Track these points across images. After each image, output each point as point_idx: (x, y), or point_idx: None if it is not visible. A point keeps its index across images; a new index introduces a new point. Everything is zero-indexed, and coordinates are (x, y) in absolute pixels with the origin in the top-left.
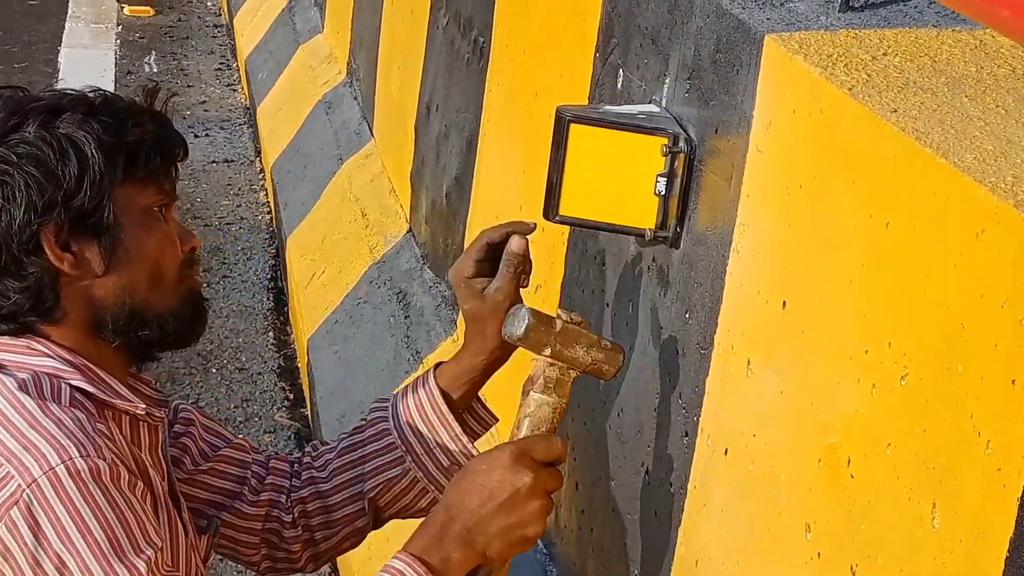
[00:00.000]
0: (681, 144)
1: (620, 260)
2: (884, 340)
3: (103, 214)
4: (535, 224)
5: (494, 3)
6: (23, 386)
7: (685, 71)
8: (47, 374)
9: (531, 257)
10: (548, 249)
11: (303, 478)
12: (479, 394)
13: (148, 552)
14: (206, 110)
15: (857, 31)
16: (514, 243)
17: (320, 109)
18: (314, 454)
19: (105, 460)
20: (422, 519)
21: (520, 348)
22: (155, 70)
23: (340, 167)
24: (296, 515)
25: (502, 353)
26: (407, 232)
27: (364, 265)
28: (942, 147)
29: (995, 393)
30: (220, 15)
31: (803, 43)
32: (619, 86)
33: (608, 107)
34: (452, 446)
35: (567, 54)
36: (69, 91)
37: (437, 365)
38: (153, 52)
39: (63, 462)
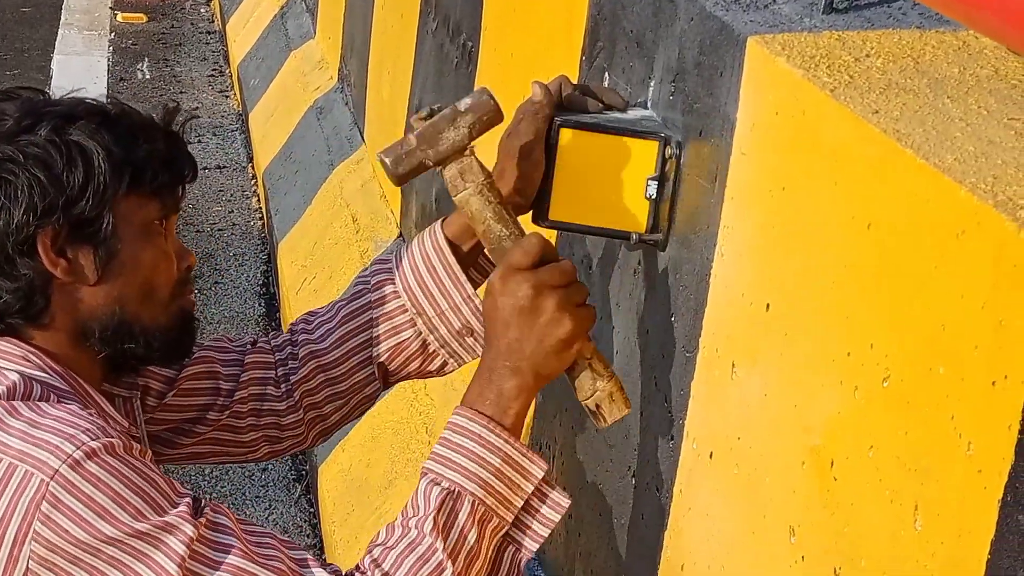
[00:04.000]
0: (672, 148)
1: (608, 263)
2: (866, 342)
3: (102, 224)
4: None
5: (482, 7)
6: (10, 392)
7: (669, 74)
8: (29, 378)
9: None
10: None
11: (301, 356)
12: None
13: (186, 497)
14: (198, 116)
15: (840, 33)
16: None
17: (312, 115)
18: (309, 327)
19: (113, 437)
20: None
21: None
22: (148, 77)
23: (331, 173)
24: (298, 398)
25: (517, 198)
26: (398, 237)
27: (355, 270)
28: (923, 148)
29: (976, 394)
30: (213, 22)
31: (786, 45)
32: None
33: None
34: (465, 308)
35: (554, 57)
36: (88, 100)
37: (444, 218)
38: (146, 59)
39: (79, 447)
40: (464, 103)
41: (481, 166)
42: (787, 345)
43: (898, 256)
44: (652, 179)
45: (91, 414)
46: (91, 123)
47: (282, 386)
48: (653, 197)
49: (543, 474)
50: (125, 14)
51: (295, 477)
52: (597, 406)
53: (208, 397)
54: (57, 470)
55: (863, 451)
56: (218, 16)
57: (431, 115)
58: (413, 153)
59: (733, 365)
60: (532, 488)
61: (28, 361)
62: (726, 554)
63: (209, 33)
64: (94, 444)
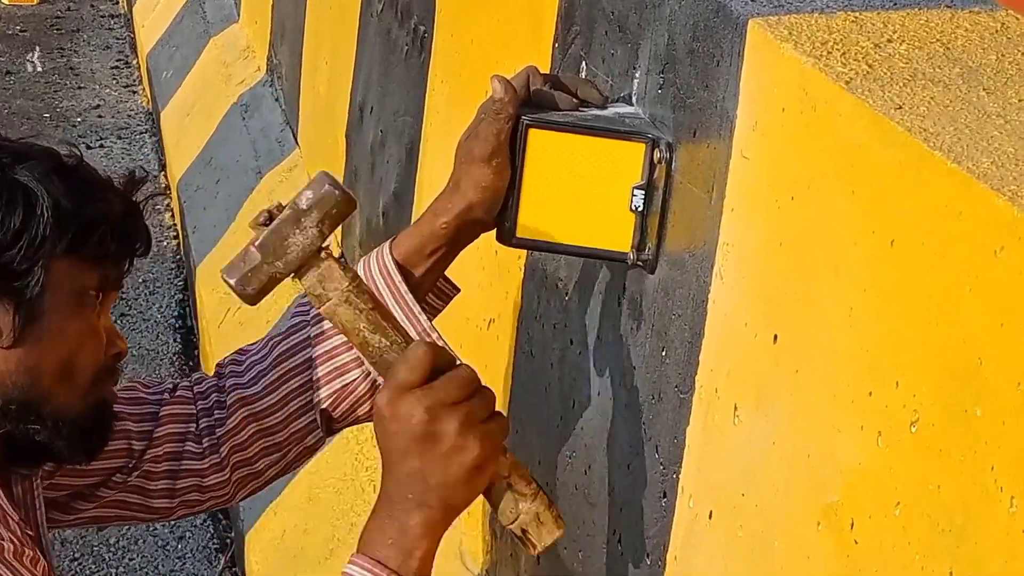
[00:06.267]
0: (662, 150)
1: (586, 289)
2: (891, 380)
3: (30, 280)
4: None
5: None
6: None
7: (658, 63)
8: None
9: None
10: (501, 277)
11: (229, 403)
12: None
13: None
14: (100, 116)
15: (857, 14)
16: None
17: (235, 113)
18: (239, 369)
19: (4, 539)
20: None
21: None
22: (40, 69)
23: (259, 182)
24: (225, 453)
25: (477, 212)
26: (340, 258)
27: (289, 299)
28: (954, 150)
29: (1019, 441)
30: (117, 3)
31: (793, 28)
32: None
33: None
34: (412, 332)
35: (522, 45)
36: (44, 146)
37: (393, 238)
38: (37, 48)
39: None
40: (305, 198)
41: (343, 268)
42: (798, 384)
43: (927, 278)
44: (638, 188)
45: None
46: (42, 166)
47: (205, 441)
48: (639, 209)
49: None
50: None
51: (217, 547)
52: (523, 531)
53: (119, 460)
54: None
55: (888, 509)
56: None
57: (270, 219)
58: (260, 268)
59: (735, 408)
60: None
61: None
62: None
63: (112, 17)
64: None
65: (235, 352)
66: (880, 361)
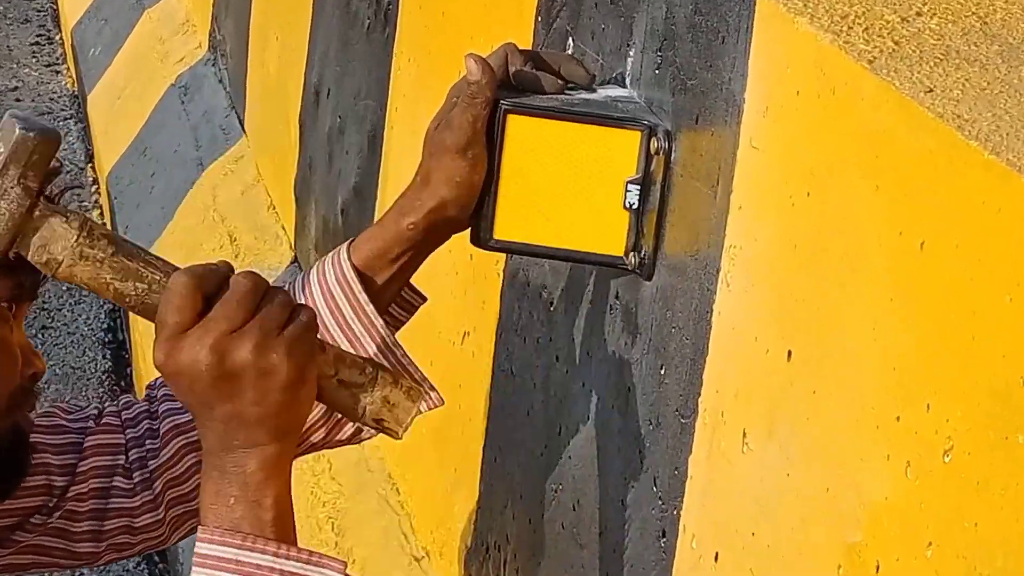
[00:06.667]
0: (660, 139)
1: (573, 299)
2: (921, 402)
3: None
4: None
5: None
6: None
7: (655, 40)
8: None
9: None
10: (477, 284)
11: (163, 431)
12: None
13: None
14: (19, 99)
15: None
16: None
17: (173, 96)
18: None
19: None
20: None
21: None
22: None
23: (201, 175)
24: (159, 489)
25: (450, 211)
26: (292, 263)
27: None
28: (992, 139)
29: None
30: None
31: (809, 0)
32: None
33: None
34: (381, 360)
35: (500, 18)
36: None
37: (351, 240)
38: None
39: None
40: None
41: (66, 219)
42: (816, 407)
43: (961, 285)
44: (633, 182)
45: None
46: None
47: (136, 475)
48: (634, 207)
49: None
50: None
51: None
52: (377, 421)
53: (37, 499)
54: None
55: (919, 549)
56: None
57: None
58: None
59: (744, 434)
60: None
61: None
62: None
63: None
64: None
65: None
66: (909, 381)
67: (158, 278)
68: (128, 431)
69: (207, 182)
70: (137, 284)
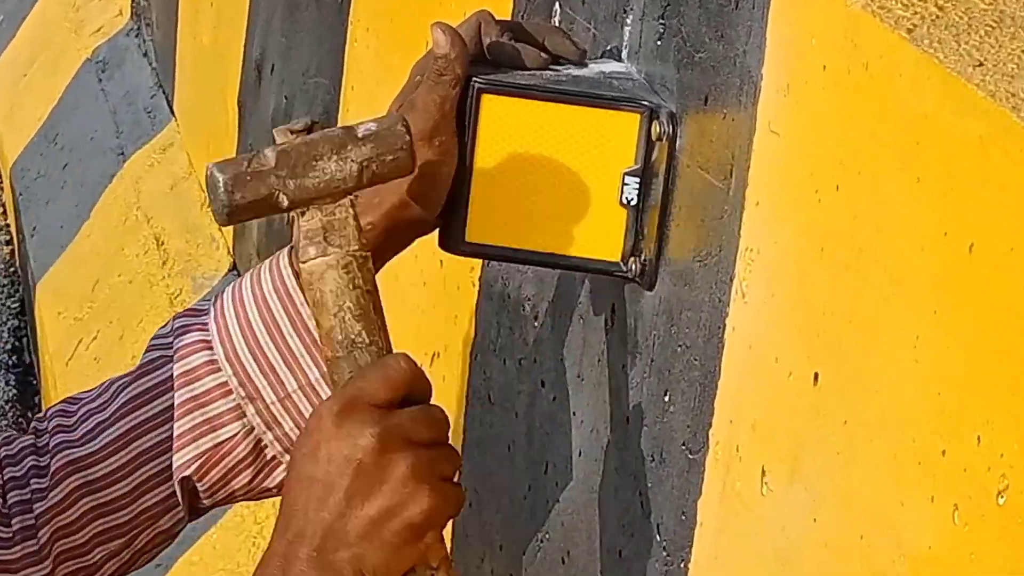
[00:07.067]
0: (663, 123)
1: (562, 312)
2: (970, 434)
3: None
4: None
5: None
6: None
7: (656, 6)
8: None
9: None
10: (448, 296)
11: (54, 470)
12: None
13: None
14: None
15: None
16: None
17: (89, 73)
18: (68, 422)
19: None
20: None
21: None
22: None
23: (123, 166)
24: (45, 539)
25: (414, 209)
26: (229, 270)
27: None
28: None
29: None
30: None
31: None
32: None
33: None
34: (325, 388)
35: None
36: None
37: (292, 244)
38: None
39: None
40: (365, 127)
41: (358, 228)
42: (847, 440)
43: (1018, 296)
44: (631, 174)
45: None
46: None
47: (15, 522)
48: (633, 203)
49: None
50: None
51: None
52: None
53: None
54: None
55: None
56: None
57: (309, 130)
58: (264, 177)
59: (763, 473)
60: None
61: None
62: None
63: None
64: None
65: (63, 401)
66: (956, 409)
67: (380, 344)
68: (6, 470)
69: (129, 175)
70: (361, 332)
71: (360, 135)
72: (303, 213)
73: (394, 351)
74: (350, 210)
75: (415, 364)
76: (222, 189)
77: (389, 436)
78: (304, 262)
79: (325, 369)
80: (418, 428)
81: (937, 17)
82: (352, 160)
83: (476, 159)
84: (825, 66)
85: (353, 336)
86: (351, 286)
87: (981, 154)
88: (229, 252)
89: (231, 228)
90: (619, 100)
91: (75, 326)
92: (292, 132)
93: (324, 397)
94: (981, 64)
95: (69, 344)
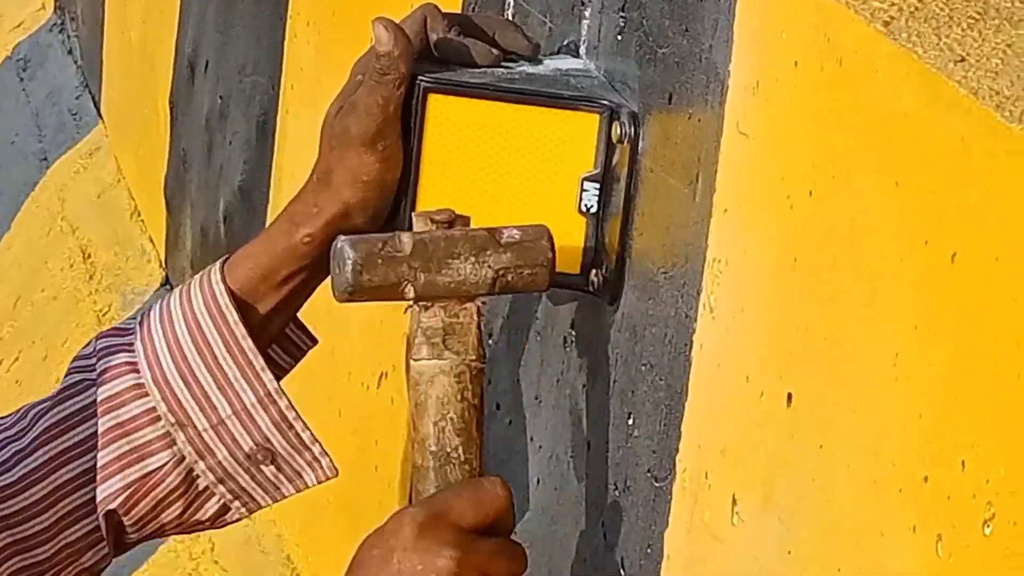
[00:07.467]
0: (624, 124)
1: (518, 331)
2: (954, 458)
3: None
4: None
5: None
6: None
7: None
8: None
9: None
10: (396, 313)
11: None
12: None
13: None
14: None
15: None
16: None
17: (9, 71)
18: None
19: None
20: None
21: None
22: None
23: (45, 173)
24: None
25: (356, 219)
26: (162, 285)
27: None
28: None
29: None
30: None
31: None
32: None
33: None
34: (260, 413)
35: None
36: None
37: (227, 256)
38: None
39: None
40: (510, 233)
41: (479, 337)
42: (824, 466)
43: (1003, 308)
44: (589, 179)
45: None
46: None
47: None
48: (592, 210)
49: None
50: None
51: None
52: None
53: None
54: None
55: None
56: None
57: (451, 223)
58: (396, 264)
59: (735, 501)
60: None
61: None
62: None
63: None
64: None
65: None
66: (939, 431)
67: (473, 464)
68: None
69: (53, 182)
70: (459, 448)
71: (503, 241)
72: (426, 308)
73: (494, 477)
74: (475, 316)
75: (510, 492)
76: (350, 268)
77: (467, 565)
78: (416, 359)
79: (252, 401)
80: (498, 563)
81: (916, 9)
82: (489, 266)
83: (423, 164)
84: (797, 62)
85: (449, 450)
86: (459, 397)
87: (963, 156)
88: (161, 265)
89: (163, 237)
90: (577, 100)
91: None
92: (433, 221)
93: (263, 424)
94: (963, 59)
95: None
